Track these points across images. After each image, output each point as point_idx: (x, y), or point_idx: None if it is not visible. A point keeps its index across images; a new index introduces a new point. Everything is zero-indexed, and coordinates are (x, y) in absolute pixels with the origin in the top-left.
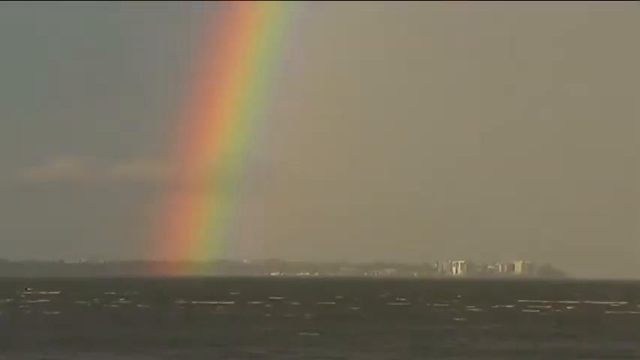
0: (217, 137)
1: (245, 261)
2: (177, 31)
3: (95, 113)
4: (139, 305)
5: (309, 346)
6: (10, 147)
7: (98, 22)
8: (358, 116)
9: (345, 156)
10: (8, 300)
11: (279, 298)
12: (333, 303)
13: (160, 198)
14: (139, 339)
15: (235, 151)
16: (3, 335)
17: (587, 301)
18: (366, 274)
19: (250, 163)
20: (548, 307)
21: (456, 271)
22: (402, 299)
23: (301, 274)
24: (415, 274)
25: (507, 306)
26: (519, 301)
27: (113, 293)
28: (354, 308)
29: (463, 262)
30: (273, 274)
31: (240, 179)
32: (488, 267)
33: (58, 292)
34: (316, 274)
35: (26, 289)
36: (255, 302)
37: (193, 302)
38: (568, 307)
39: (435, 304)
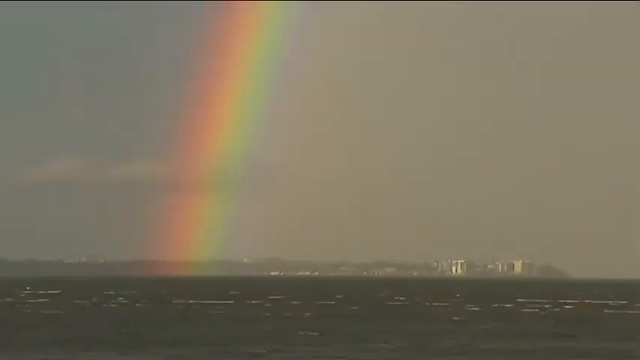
0: (217, 137)
1: (245, 261)
2: (177, 31)
3: (95, 113)
4: (138, 305)
5: (308, 345)
6: (10, 147)
7: (98, 22)
8: (358, 116)
9: (345, 156)
10: (8, 299)
11: (278, 297)
12: (333, 302)
13: (160, 198)
14: (139, 338)
15: (235, 151)
16: (3, 335)
17: (586, 301)
18: (365, 273)
19: (250, 163)
20: (547, 306)
21: (456, 271)
22: (402, 298)
23: (301, 273)
24: (415, 274)
25: (506, 305)
26: (518, 300)
27: (112, 293)
28: (354, 307)
29: (463, 261)
30: (273, 273)
31: (240, 179)
32: (488, 266)
33: (57, 292)
34: (316, 273)
35: (25, 289)
36: (254, 301)
37: (193, 302)
38: (567, 307)
39: (434, 304)
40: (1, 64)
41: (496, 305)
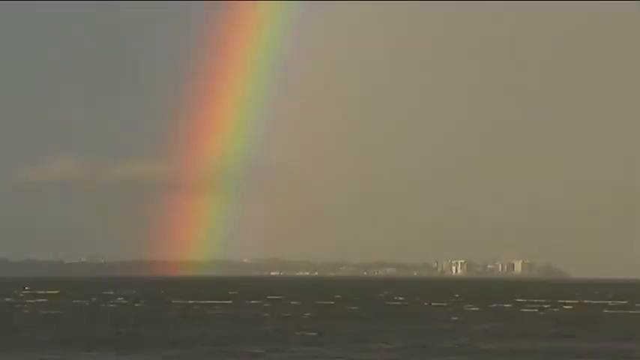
0: (217, 137)
1: (245, 261)
2: (177, 31)
3: (95, 113)
4: (137, 305)
5: (307, 345)
6: (10, 147)
7: (98, 22)
8: (358, 116)
9: (345, 156)
10: (7, 299)
11: (278, 297)
12: (332, 302)
13: (160, 198)
14: (138, 339)
15: (235, 151)
16: (2, 335)
17: (586, 301)
18: (365, 273)
19: (250, 163)
20: (546, 306)
21: (456, 271)
22: (401, 298)
23: (301, 273)
24: (415, 274)
25: (505, 305)
26: (518, 300)
27: (111, 293)
28: (353, 308)
29: (463, 261)
30: (273, 273)
31: (240, 179)
32: (488, 266)
33: (56, 292)
34: (316, 273)
35: (24, 289)
36: (253, 302)
37: (193, 302)
38: (567, 307)
39: (434, 304)
40: (1, 64)
41: (495, 305)
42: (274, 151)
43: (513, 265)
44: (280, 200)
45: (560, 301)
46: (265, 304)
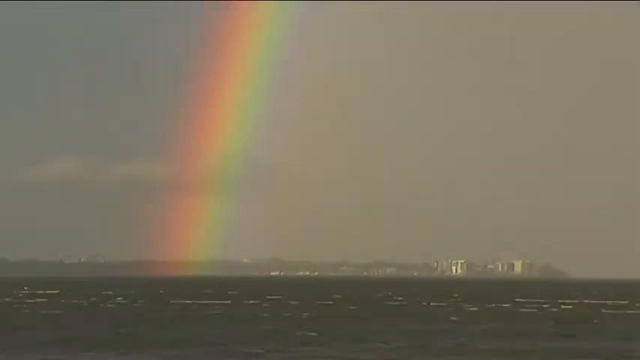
0: (217, 137)
1: (245, 261)
2: (177, 31)
3: (95, 113)
4: (136, 305)
5: (306, 345)
6: (10, 147)
7: (98, 22)
8: (358, 116)
9: (345, 156)
10: (6, 299)
11: (277, 297)
12: (331, 302)
13: (160, 198)
14: (137, 339)
15: (235, 151)
16: (1, 335)
17: (585, 301)
18: (365, 273)
19: (250, 163)
20: (545, 306)
21: (456, 271)
22: (400, 298)
23: (301, 273)
24: (415, 274)
25: (504, 305)
26: (517, 300)
27: (111, 293)
28: (352, 308)
29: (463, 261)
30: (273, 273)
31: (240, 179)
32: (488, 266)
33: (55, 292)
34: (316, 273)
35: (23, 289)
36: (253, 302)
37: (192, 302)
38: (566, 307)
39: (433, 304)
40: (1, 64)
41: (494, 305)
42: (274, 151)
43: (513, 265)
44: (280, 200)
45: (560, 301)
46: (264, 304)
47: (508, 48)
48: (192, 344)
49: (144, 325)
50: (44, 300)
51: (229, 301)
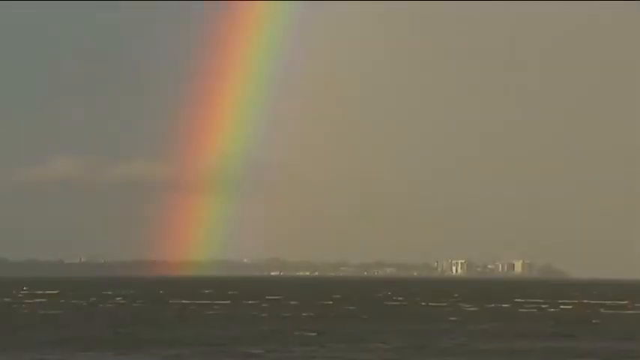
0: (217, 137)
1: (245, 261)
2: (177, 31)
3: (95, 113)
4: (136, 305)
5: (305, 345)
6: (10, 147)
7: (98, 22)
8: (358, 116)
9: (345, 156)
10: (6, 299)
11: (277, 297)
12: (331, 302)
13: (160, 198)
14: (137, 339)
15: (235, 151)
16: (1, 335)
17: (585, 301)
18: (365, 273)
19: (250, 163)
20: (544, 306)
21: (456, 271)
22: (400, 298)
23: (301, 273)
24: (415, 274)
25: (504, 305)
26: (516, 300)
27: (110, 293)
28: (351, 308)
29: (463, 261)
30: (273, 273)
31: (240, 179)
32: (489, 266)
33: (55, 292)
34: (316, 273)
35: (23, 289)
36: (253, 302)
37: (192, 302)
38: (566, 307)
39: (433, 304)
40: (1, 64)
41: (493, 305)
42: (274, 151)
43: (513, 265)
44: (280, 200)
45: (559, 301)
46: (264, 305)
47: (508, 48)
48: (191, 344)
49: (143, 325)
50: (44, 300)
51: (229, 302)
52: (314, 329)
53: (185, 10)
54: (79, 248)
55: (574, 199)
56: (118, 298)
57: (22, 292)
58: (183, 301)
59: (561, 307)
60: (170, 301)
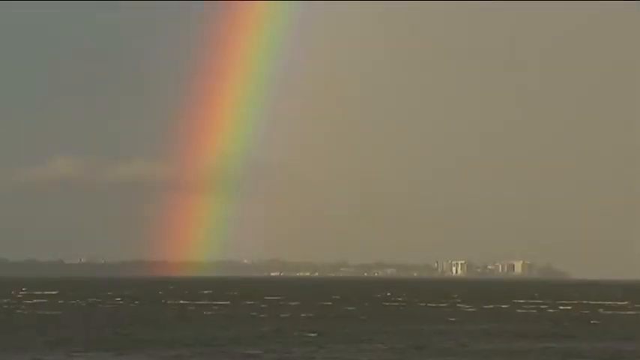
0: (217, 137)
1: (245, 261)
2: (177, 31)
3: (95, 113)
4: (135, 305)
5: (304, 346)
6: (10, 147)
7: (98, 22)
8: (358, 116)
9: (345, 156)
10: (5, 300)
11: (276, 298)
12: (330, 303)
13: (160, 198)
14: (136, 339)
15: (235, 151)
16: (0, 335)
17: (584, 301)
18: (366, 274)
19: (250, 163)
20: (543, 307)
21: (456, 271)
22: (399, 299)
23: (301, 274)
24: (415, 274)
25: (502, 306)
26: (515, 301)
27: (110, 293)
28: (350, 308)
29: (463, 262)
30: (273, 274)
31: (240, 179)
32: (489, 267)
33: (54, 293)
34: (316, 274)
35: (21, 289)
36: (252, 302)
37: (191, 302)
38: (565, 307)
39: (432, 304)
40: (1, 64)
41: (492, 306)
42: (274, 151)
43: (513, 265)
44: (280, 200)
45: (558, 301)
46: (263, 305)
47: (508, 48)
48: (190, 345)
49: (142, 326)
50: (43, 301)
51: (228, 302)
52: (313, 330)
53: (185, 10)
54: (79, 248)
55: (574, 199)
56: (117, 299)
57: (20, 292)
58: (183, 302)
59: (560, 307)
60: (169, 302)
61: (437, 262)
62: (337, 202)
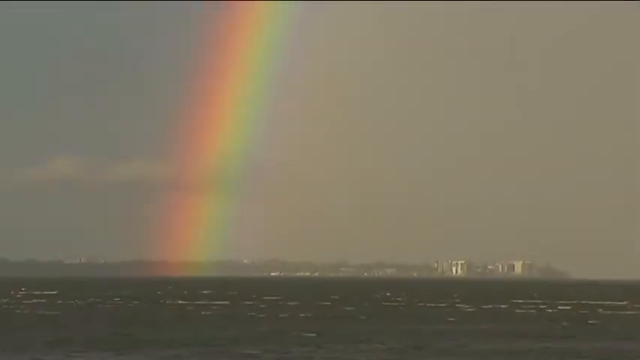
0: (217, 137)
1: (245, 261)
2: (177, 31)
3: (95, 113)
4: (134, 305)
5: (304, 346)
6: (10, 147)
7: (98, 22)
8: (358, 116)
9: (345, 156)
10: (4, 300)
11: (276, 298)
12: (329, 303)
13: (160, 198)
14: (135, 339)
15: (235, 151)
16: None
17: (583, 301)
18: (366, 274)
19: (250, 163)
20: (542, 307)
21: (456, 271)
22: (399, 299)
23: (301, 274)
24: (415, 275)
25: (502, 306)
26: (514, 301)
27: (109, 293)
28: (349, 308)
29: (463, 262)
30: (273, 274)
31: (240, 179)
32: (489, 267)
33: (54, 293)
34: (316, 274)
35: (21, 289)
36: (251, 302)
37: (190, 302)
38: (564, 307)
39: (432, 304)
40: (1, 64)
41: (491, 306)
42: (274, 151)
43: (513, 265)
44: (280, 200)
45: (558, 301)
46: (262, 305)
47: (508, 48)
48: (189, 345)
49: (141, 326)
50: (42, 301)
51: (227, 302)
52: (312, 330)
53: (185, 10)
54: (79, 248)
55: (574, 199)
56: (116, 299)
57: (20, 292)
58: (182, 302)
59: (559, 307)
60: (168, 302)
61: (437, 262)
62: (337, 202)
